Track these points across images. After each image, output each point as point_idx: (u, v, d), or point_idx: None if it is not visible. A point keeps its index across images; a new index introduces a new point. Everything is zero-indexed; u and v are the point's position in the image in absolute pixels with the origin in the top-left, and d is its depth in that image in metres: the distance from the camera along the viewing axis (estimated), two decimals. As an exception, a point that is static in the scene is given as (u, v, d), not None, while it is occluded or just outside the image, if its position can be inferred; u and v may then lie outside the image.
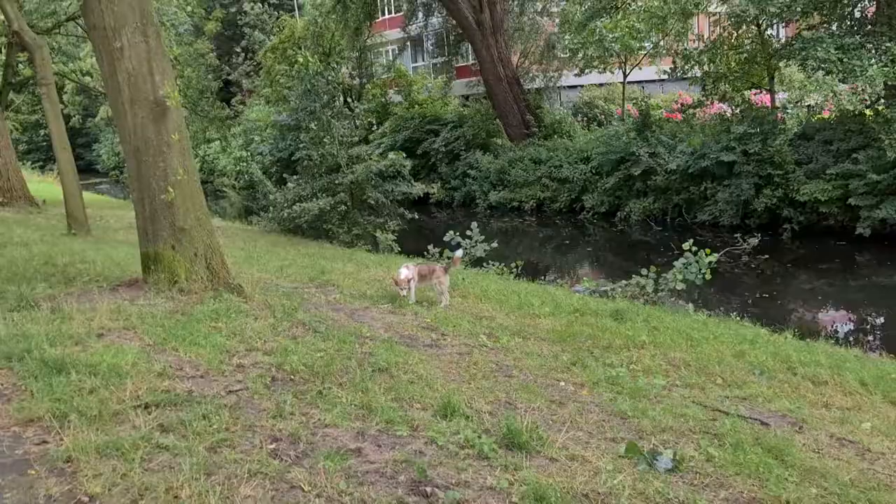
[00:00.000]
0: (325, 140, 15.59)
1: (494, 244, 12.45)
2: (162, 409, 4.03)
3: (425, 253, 12.33)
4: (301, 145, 16.40)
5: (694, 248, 9.67)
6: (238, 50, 44.89)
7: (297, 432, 3.92)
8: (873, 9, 17.49)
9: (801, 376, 6.12)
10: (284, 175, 18.20)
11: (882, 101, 16.42)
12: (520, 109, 27.65)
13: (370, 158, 16.05)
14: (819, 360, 6.55)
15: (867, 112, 17.58)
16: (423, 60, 38.08)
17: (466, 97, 32.88)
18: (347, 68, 32.46)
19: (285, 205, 15.56)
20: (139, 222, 6.71)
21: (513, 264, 11.82)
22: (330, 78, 16.30)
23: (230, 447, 3.67)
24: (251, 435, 3.84)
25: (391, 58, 37.25)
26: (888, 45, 15.83)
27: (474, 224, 12.78)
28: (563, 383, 5.41)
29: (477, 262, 12.07)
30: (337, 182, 15.40)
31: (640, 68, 25.94)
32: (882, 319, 12.99)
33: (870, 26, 17.00)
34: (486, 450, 3.87)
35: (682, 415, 4.82)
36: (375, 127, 30.32)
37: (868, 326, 12.84)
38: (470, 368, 5.52)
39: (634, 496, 3.58)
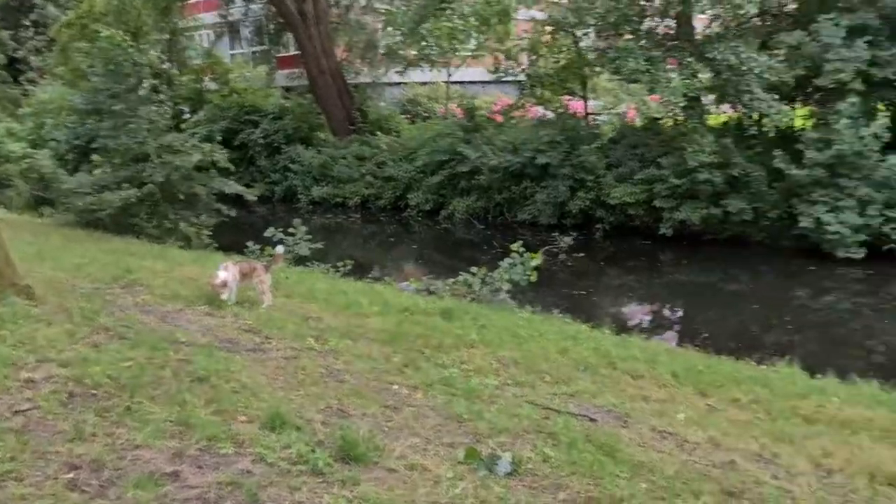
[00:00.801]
0: (130, 126, 14.31)
1: (320, 245, 12.09)
2: (-74, 438, 3.35)
3: (245, 250, 11.70)
4: (102, 131, 14.95)
5: (522, 250, 9.92)
6: (27, 23, 40.53)
7: (100, 457, 3.42)
8: (674, 26, 19.09)
9: (621, 371, 6.38)
10: (81, 166, 16.59)
11: (681, 111, 17.92)
12: (344, 104, 27.25)
13: (183, 148, 14.96)
14: (635, 355, 6.88)
15: (668, 121, 19.14)
16: (242, 48, 36.46)
17: (288, 89, 31.88)
18: (157, 51, 30.27)
19: (82, 193, 14.07)
20: None
21: (340, 263, 11.52)
22: (137, 59, 14.99)
23: (17, 480, 3.12)
24: (44, 463, 3.29)
25: (207, 43, 35.29)
26: (689, 59, 17.35)
27: (297, 220, 12.33)
28: (396, 386, 5.23)
29: (301, 261, 11.64)
30: (145, 173, 14.20)
31: (467, 66, 26.53)
32: (682, 313, 14.19)
33: (672, 42, 18.52)
34: (321, 465, 3.59)
35: (516, 415, 4.81)
36: (189, 115, 28.52)
37: (671, 320, 13.96)
38: (298, 374, 5.19)
39: (476, 504, 3.47)
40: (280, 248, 8.22)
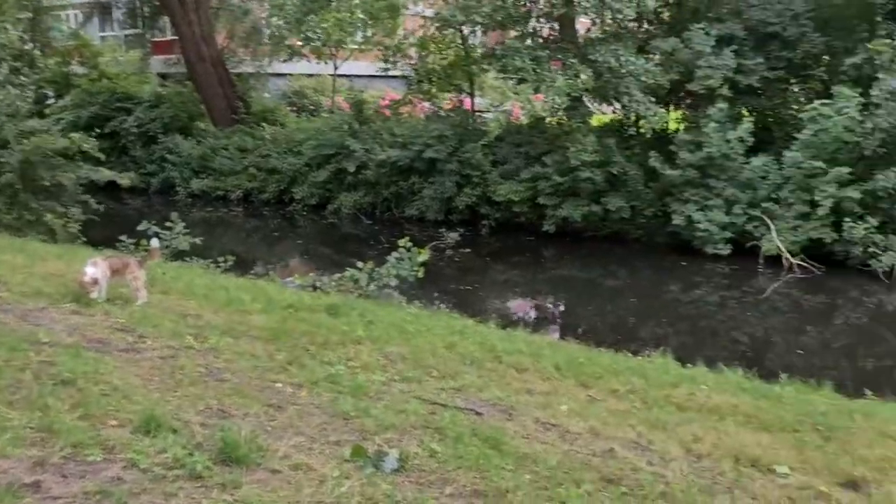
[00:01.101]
0: (-13, 110, 13.24)
1: (198, 240, 11.62)
2: None
3: (117, 244, 11.07)
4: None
5: (409, 245, 9.93)
6: None
7: (-51, 469, 3.11)
8: (558, 28, 19.67)
9: (507, 364, 6.47)
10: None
11: (564, 111, 18.49)
12: (225, 93, 26.30)
13: (47, 134, 13.97)
14: (520, 349, 6.99)
15: (552, 120, 19.70)
16: (114, 31, 34.55)
17: (165, 76, 30.46)
18: (18, 30, 28.15)
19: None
20: None
21: (221, 259, 11.12)
22: (-4, 39, 13.90)
23: None
24: None
25: (75, 24, 33.16)
26: (572, 60, 17.92)
27: (174, 214, 11.81)
28: (280, 385, 5.08)
29: (180, 256, 11.15)
30: (2, 160, 13.17)
31: (354, 59, 26.24)
32: (564, 308, 14.66)
33: (556, 43, 19.08)
34: (200, 468, 3.43)
35: (403, 411, 4.78)
36: (53, 100, 26.71)
37: (554, 314, 14.39)
38: (175, 374, 4.95)
39: (363, 502, 3.41)
40: (155, 242, 7.82)
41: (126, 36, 33.33)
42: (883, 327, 13.51)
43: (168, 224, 11.28)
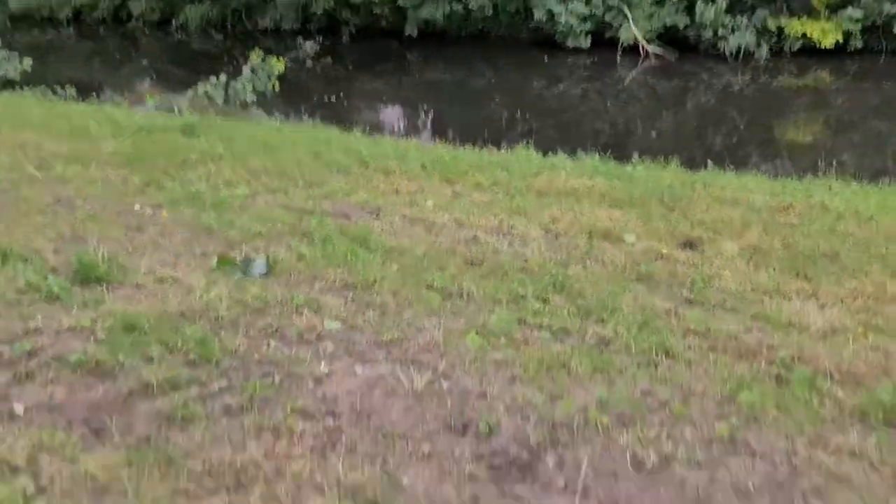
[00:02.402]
0: None
1: (28, 62, 10.49)
2: None
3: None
4: None
5: (262, 56, 9.44)
6: None
7: None
8: None
9: (373, 169, 6.48)
10: None
11: None
12: None
13: None
14: (387, 153, 7.01)
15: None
16: None
17: None
18: None
19: None
20: None
21: (58, 87, 10.18)
22: None
23: None
24: None
25: None
26: None
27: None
28: (138, 207, 4.91)
29: (9, 86, 10.14)
30: None
31: None
32: (433, 112, 14.59)
33: None
34: (57, 290, 3.36)
35: (269, 219, 4.78)
36: None
37: (423, 120, 14.31)
38: (20, 205, 4.69)
39: (233, 305, 3.47)
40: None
41: None
42: (729, 106, 14.36)
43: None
